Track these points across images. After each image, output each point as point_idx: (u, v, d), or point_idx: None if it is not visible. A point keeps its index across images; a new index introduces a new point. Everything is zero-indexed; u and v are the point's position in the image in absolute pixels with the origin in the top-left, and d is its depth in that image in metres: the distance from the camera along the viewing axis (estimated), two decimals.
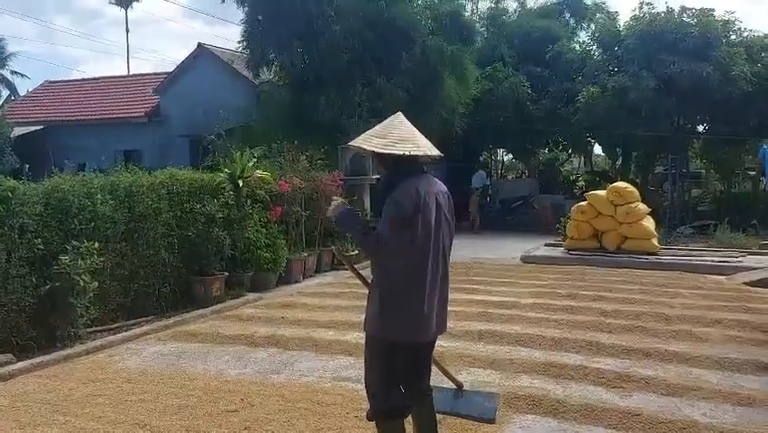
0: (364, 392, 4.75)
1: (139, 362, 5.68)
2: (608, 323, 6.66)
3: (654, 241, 11.39)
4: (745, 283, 9.08)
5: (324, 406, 4.45)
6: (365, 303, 7.09)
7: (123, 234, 6.95)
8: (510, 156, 23.55)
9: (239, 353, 5.89)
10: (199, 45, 19.73)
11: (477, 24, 20.30)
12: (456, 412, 3.85)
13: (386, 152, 3.06)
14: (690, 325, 6.63)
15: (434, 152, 3.14)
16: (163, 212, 7.45)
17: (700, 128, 17.53)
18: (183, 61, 19.90)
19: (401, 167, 3.11)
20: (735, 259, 10.87)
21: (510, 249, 12.78)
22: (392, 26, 13.09)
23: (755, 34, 16.35)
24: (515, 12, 21.14)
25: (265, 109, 14.34)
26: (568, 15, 20.65)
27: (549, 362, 5.37)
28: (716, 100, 15.00)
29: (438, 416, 3.61)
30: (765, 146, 15.12)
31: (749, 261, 10.71)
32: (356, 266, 3.65)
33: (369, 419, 3.35)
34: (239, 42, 14.35)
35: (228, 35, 76.08)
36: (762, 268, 9.84)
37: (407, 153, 3.03)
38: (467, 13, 18.40)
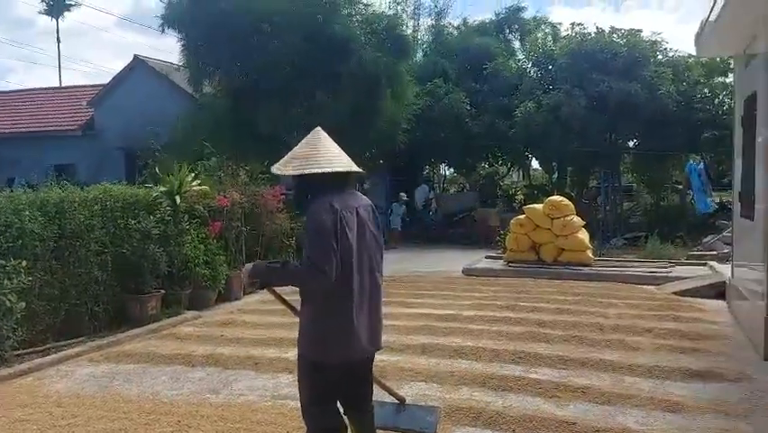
0: None
1: (70, 385, 5.45)
2: (545, 333, 6.82)
3: (589, 253, 11.75)
4: (674, 293, 9.46)
5: (264, 425, 4.38)
6: None
7: (52, 251, 6.68)
8: (452, 170, 23.87)
9: (176, 373, 5.73)
10: (135, 57, 19.33)
11: (420, 41, 20.65)
12: (396, 427, 3.86)
13: (287, 173, 3.05)
14: (623, 334, 6.85)
15: (339, 168, 3.06)
16: (96, 229, 7.20)
17: (631, 144, 18.25)
18: (118, 73, 19.46)
19: (312, 186, 3.05)
20: (664, 270, 11.31)
21: (452, 262, 12.92)
22: (331, 41, 13.14)
23: (680, 55, 17.19)
24: (456, 28, 21.56)
25: (205, 122, 14.13)
26: (508, 31, 21.16)
27: (489, 373, 5.44)
28: (645, 117, 15.65)
29: (379, 431, 3.60)
30: (692, 162, 15.90)
31: (677, 271, 11.16)
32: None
33: None
34: (179, 61, 14.26)
35: (163, 46, 74.23)
36: (689, 278, 10.28)
37: (305, 173, 3.00)
38: (409, 30, 18.65)
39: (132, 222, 7.63)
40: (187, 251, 8.39)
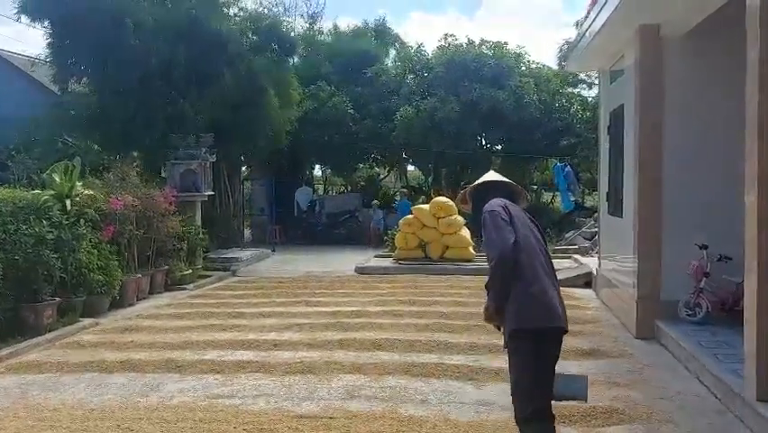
0: (246, 407, 4.83)
1: None
2: (449, 324, 7.35)
3: (471, 249, 12.58)
4: None
5: (209, 423, 4.43)
6: (213, 322, 7.21)
7: None
8: (330, 171, 24.17)
9: (94, 380, 5.55)
10: None
11: (296, 43, 20.68)
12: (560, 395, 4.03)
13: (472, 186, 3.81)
14: None
15: (503, 179, 3.76)
16: None
17: (499, 147, 19.59)
18: None
19: (487, 195, 3.62)
20: None
21: (342, 261, 13.24)
22: (207, 40, 12.49)
23: (541, 66, 18.74)
24: (330, 32, 21.89)
25: (73, 121, 13.22)
26: (378, 41, 21.79)
27: (409, 362, 5.83)
28: (511, 123, 16.94)
29: None
30: (557, 163, 17.39)
31: None
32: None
33: (517, 421, 3.39)
34: (45, 56, 13.06)
35: (31, 40, 64.29)
36: (559, 270, 11.30)
37: (480, 182, 3.76)
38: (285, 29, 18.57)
39: (24, 227, 7.19)
40: (81, 256, 8.02)
